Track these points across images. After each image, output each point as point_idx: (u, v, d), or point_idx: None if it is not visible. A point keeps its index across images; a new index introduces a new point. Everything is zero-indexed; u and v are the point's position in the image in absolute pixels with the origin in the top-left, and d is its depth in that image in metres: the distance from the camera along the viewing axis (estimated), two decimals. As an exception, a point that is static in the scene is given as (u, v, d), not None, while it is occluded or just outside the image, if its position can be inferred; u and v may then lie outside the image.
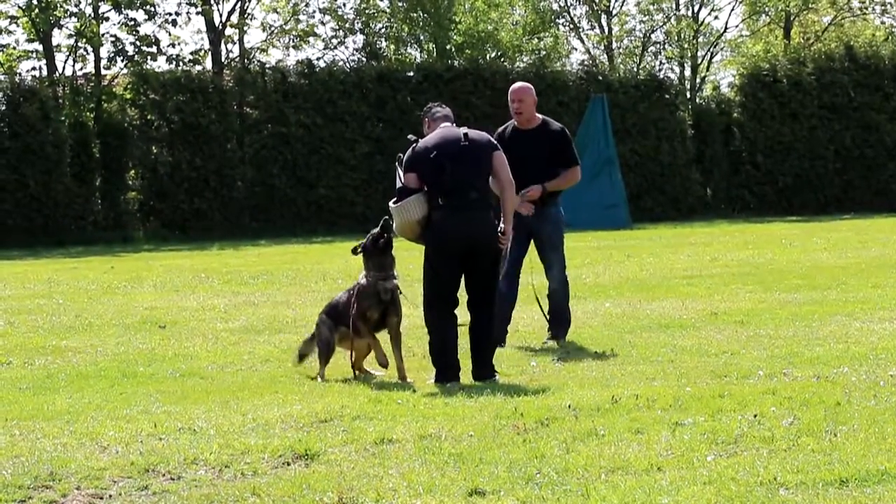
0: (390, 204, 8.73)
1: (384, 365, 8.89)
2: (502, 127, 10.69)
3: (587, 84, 35.31)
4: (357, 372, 9.08)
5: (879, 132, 36.46)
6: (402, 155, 8.96)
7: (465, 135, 8.69)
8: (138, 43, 35.67)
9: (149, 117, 33.17)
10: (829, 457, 5.84)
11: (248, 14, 38.91)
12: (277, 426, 7.03)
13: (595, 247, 22.30)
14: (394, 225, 8.74)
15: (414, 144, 8.78)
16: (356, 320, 8.85)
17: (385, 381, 8.77)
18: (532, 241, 10.70)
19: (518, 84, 10.84)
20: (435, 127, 8.92)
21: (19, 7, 35.14)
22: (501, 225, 8.72)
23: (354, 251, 9.12)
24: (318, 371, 9.05)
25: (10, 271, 20.87)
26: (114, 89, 34.83)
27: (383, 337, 9.05)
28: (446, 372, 8.58)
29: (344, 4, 40.67)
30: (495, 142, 8.94)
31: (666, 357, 9.34)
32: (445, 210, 8.55)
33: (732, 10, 58.59)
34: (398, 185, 8.90)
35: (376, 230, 8.94)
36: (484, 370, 8.66)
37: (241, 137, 33.89)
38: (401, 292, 8.99)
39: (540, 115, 10.68)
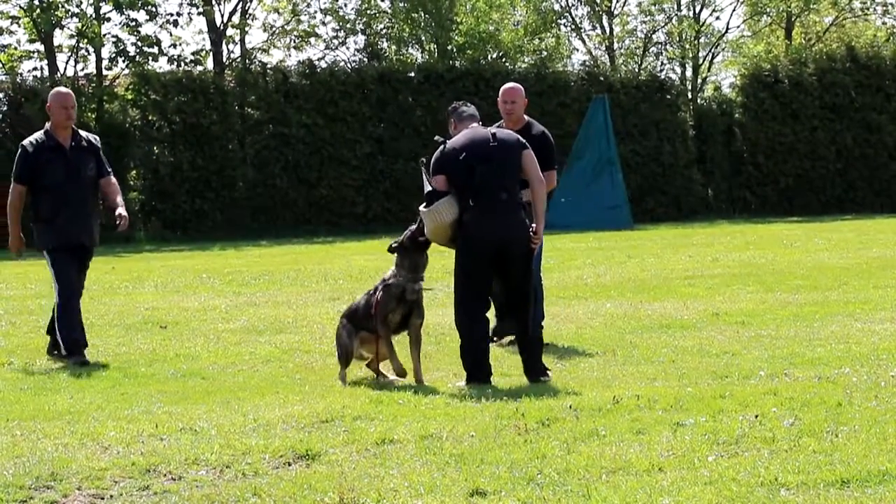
0: (421, 208, 8.58)
1: (401, 374, 8.62)
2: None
3: (588, 85, 35.29)
4: (377, 376, 8.93)
5: (881, 133, 36.47)
6: (424, 159, 8.78)
7: (494, 135, 8.57)
8: (140, 43, 35.60)
9: (150, 118, 33.17)
10: (830, 457, 5.84)
11: (250, 14, 38.87)
12: (279, 426, 7.03)
13: (596, 247, 22.30)
14: (425, 230, 8.53)
15: (442, 146, 8.61)
16: (379, 322, 8.64)
17: (386, 382, 8.76)
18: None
19: (510, 85, 10.70)
20: (462, 127, 8.76)
21: (21, 7, 35.11)
22: (533, 224, 8.57)
23: (391, 249, 8.86)
24: (338, 373, 8.90)
25: (12, 271, 20.85)
26: (115, 90, 34.76)
27: (402, 339, 8.95)
28: (477, 374, 8.43)
29: (345, 5, 40.71)
30: (524, 141, 8.75)
31: (667, 357, 9.34)
32: (476, 211, 8.39)
33: (734, 10, 58.65)
34: (426, 188, 8.70)
35: (415, 227, 8.69)
36: (534, 371, 8.55)
37: (242, 138, 33.89)
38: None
39: (526, 117, 10.62)
